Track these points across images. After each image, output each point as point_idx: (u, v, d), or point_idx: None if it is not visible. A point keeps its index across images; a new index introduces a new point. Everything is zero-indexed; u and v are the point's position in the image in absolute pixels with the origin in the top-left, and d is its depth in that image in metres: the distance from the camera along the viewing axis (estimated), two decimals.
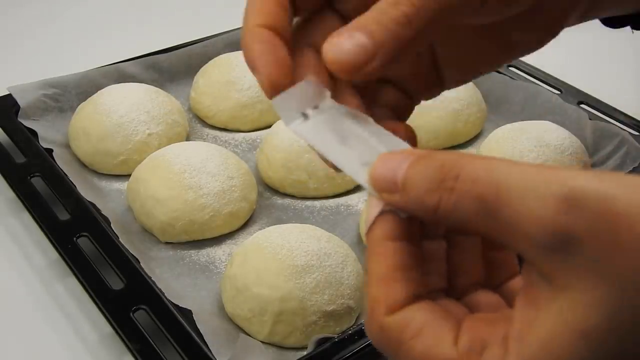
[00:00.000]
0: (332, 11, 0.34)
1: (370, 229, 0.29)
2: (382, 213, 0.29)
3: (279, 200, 0.69)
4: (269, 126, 0.76)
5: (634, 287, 0.22)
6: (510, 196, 0.24)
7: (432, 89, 0.38)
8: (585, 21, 0.38)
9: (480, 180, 0.25)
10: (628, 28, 0.44)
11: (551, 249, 0.24)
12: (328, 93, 0.32)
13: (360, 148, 0.30)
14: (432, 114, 0.75)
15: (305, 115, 0.32)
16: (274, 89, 0.31)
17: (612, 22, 0.43)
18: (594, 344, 0.23)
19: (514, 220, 0.24)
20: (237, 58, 0.80)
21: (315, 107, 0.32)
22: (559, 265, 0.24)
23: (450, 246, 0.31)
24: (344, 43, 0.29)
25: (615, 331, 0.22)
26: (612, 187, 0.23)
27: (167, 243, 0.63)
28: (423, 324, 0.27)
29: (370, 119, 0.32)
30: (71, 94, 0.77)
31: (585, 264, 0.23)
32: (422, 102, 0.40)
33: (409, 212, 0.28)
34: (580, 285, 0.23)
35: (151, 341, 0.50)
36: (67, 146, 0.73)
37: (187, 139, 0.76)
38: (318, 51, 0.32)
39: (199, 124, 0.79)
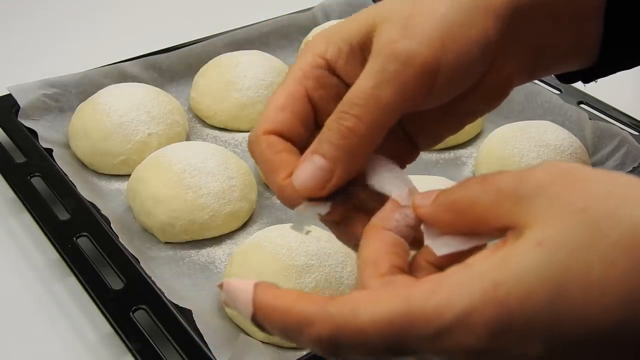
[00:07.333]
0: None
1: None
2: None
3: (279, 201, 0.69)
4: None
5: (584, 212, 0.27)
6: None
7: (412, 154, 0.41)
8: (533, 80, 0.43)
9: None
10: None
11: (522, 195, 0.28)
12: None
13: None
14: None
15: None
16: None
17: (565, 77, 0.45)
18: (547, 251, 0.26)
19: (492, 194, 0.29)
20: (237, 58, 0.80)
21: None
22: (528, 209, 0.28)
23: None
24: (306, 169, 0.34)
25: (569, 245, 0.26)
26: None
27: (167, 243, 0.63)
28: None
29: None
30: (71, 93, 0.77)
31: (549, 199, 0.28)
32: None
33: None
34: (542, 216, 0.27)
35: (151, 341, 0.50)
36: (67, 146, 0.73)
37: (187, 139, 0.76)
38: None
39: (199, 124, 0.79)
